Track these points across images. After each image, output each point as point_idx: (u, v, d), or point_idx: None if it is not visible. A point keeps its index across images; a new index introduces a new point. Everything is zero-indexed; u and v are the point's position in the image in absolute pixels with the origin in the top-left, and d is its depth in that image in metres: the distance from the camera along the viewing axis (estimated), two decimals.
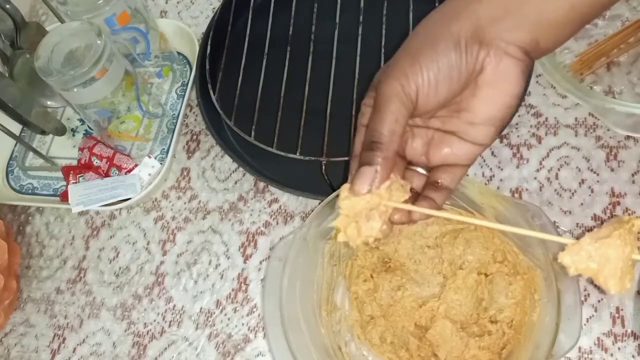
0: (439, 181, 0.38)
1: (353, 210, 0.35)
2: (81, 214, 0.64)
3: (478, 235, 0.49)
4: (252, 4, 0.66)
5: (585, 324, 0.48)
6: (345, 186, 0.35)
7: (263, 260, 0.57)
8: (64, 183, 0.63)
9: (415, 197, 0.38)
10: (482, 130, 0.36)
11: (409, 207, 0.36)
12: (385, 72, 0.36)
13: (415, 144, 0.39)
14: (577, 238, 0.32)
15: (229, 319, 0.56)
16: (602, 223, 0.51)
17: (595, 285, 0.49)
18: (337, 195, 0.46)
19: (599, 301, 0.49)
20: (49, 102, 0.68)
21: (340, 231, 0.35)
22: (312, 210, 0.53)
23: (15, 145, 0.70)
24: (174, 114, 0.66)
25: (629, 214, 0.51)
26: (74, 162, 0.64)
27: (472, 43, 0.34)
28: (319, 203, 0.48)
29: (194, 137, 0.65)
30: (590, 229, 0.51)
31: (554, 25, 0.34)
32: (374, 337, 0.49)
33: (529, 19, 0.34)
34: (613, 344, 0.47)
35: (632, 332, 0.47)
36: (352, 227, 0.35)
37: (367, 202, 0.34)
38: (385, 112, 0.34)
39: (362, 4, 0.61)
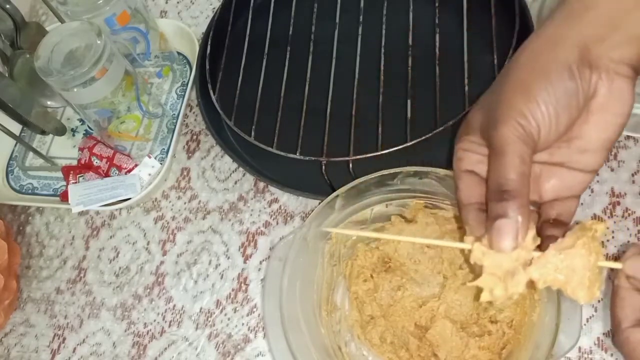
0: (554, 218, 0.36)
1: (501, 269, 0.32)
2: (81, 214, 0.64)
3: None
4: (252, 4, 0.66)
5: (585, 324, 0.48)
6: (469, 238, 0.33)
7: (263, 260, 0.57)
8: (64, 183, 0.63)
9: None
10: (594, 156, 0.35)
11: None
12: (494, 113, 0.34)
13: None
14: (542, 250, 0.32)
15: (229, 319, 0.56)
16: None
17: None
18: (337, 196, 0.47)
19: (598, 301, 0.49)
20: (49, 102, 0.68)
21: (485, 291, 0.33)
22: (312, 210, 0.53)
23: (15, 145, 0.70)
24: (174, 114, 0.66)
25: (628, 214, 0.51)
26: (74, 162, 0.64)
27: (582, 68, 0.32)
28: (319, 203, 0.48)
29: (194, 137, 0.65)
30: None
31: None
32: (374, 337, 0.49)
33: (635, 33, 0.32)
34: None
35: None
36: (500, 287, 0.32)
37: (516, 259, 0.32)
38: (510, 156, 0.32)
39: (362, 4, 0.61)
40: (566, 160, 0.35)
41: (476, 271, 0.33)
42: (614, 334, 0.33)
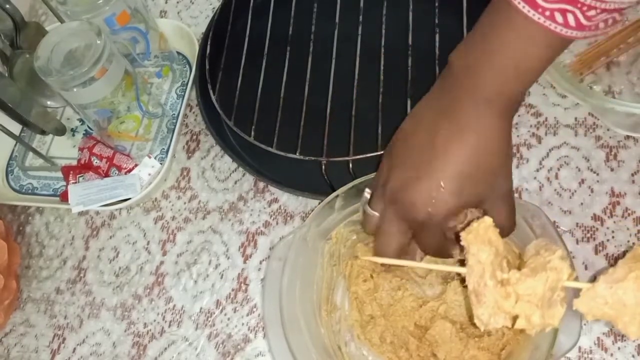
0: None
1: (536, 296, 0.32)
2: (81, 214, 0.64)
3: None
4: (252, 4, 0.66)
5: (585, 324, 0.48)
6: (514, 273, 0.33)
7: (263, 260, 0.57)
8: (64, 183, 0.63)
9: None
10: None
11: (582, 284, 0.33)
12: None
13: None
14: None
15: (228, 319, 0.56)
16: (602, 223, 0.51)
17: None
18: (337, 196, 0.47)
19: None
20: (49, 102, 0.68)
21: (521, 318, 0.33)
22: (312, 210, 0.53)
23: (15, 145, 0.69)
24: (174, 114, 0.66)
25: (628, 214, 0.51)
26: (74, 162, 0.64)
27: None
28: (319, 203, 0.48)
29: (194, 137, 0.65)
30: (590, 229, 0.51)
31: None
32: (373, 337, 0.49)
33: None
34: (613, 344, 0.47)
35: None
36: (537, 314, 0.32)
37: (546, 281, 0.32)
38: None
39: (362, 4, 0.61)
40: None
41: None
42: None
